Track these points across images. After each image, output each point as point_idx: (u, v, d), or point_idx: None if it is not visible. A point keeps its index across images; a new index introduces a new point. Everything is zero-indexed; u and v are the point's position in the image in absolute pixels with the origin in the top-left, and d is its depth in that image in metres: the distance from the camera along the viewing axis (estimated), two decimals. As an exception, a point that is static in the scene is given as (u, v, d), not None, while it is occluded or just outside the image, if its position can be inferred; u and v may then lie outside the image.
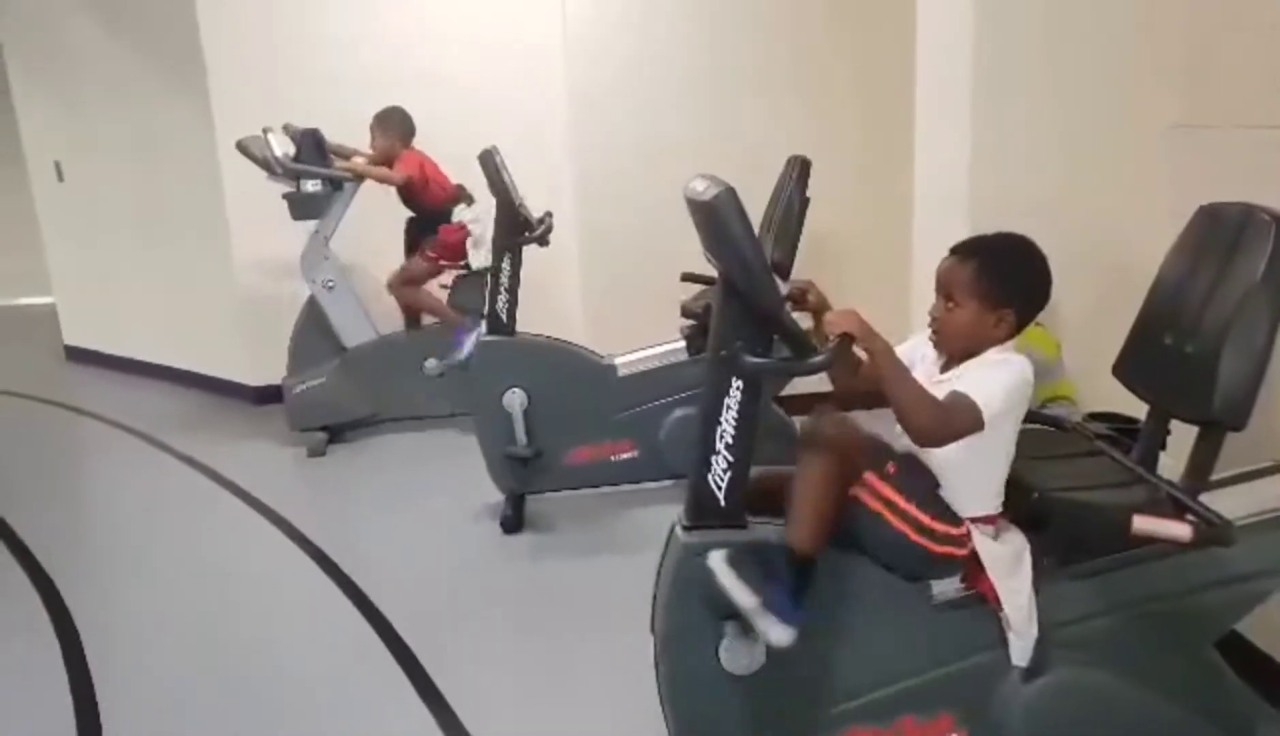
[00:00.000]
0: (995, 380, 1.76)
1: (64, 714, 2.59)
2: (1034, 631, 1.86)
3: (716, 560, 1.77)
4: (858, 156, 4.45)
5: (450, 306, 4.51)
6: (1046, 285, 1.87)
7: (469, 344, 4.02)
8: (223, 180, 4.87)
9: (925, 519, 1.81)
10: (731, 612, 1.78)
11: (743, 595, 1.73)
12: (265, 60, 4.77)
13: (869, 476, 1.80)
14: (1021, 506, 1.91)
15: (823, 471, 1.78)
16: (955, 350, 1.88)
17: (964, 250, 1.87)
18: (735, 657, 1.86)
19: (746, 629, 1.80)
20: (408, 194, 4.41)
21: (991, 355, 1.83)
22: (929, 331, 1.92)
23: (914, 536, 1.81)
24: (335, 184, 4.34)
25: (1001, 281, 1.82)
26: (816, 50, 4.48)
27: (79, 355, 6.30)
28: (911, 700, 1.93)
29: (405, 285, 4.52)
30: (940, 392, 1.77)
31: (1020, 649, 1.87)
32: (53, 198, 6.10)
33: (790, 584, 1.76)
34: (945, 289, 1.86)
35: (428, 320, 4.62)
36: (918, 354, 1.97)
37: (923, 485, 1.85)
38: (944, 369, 1.90)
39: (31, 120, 6.03)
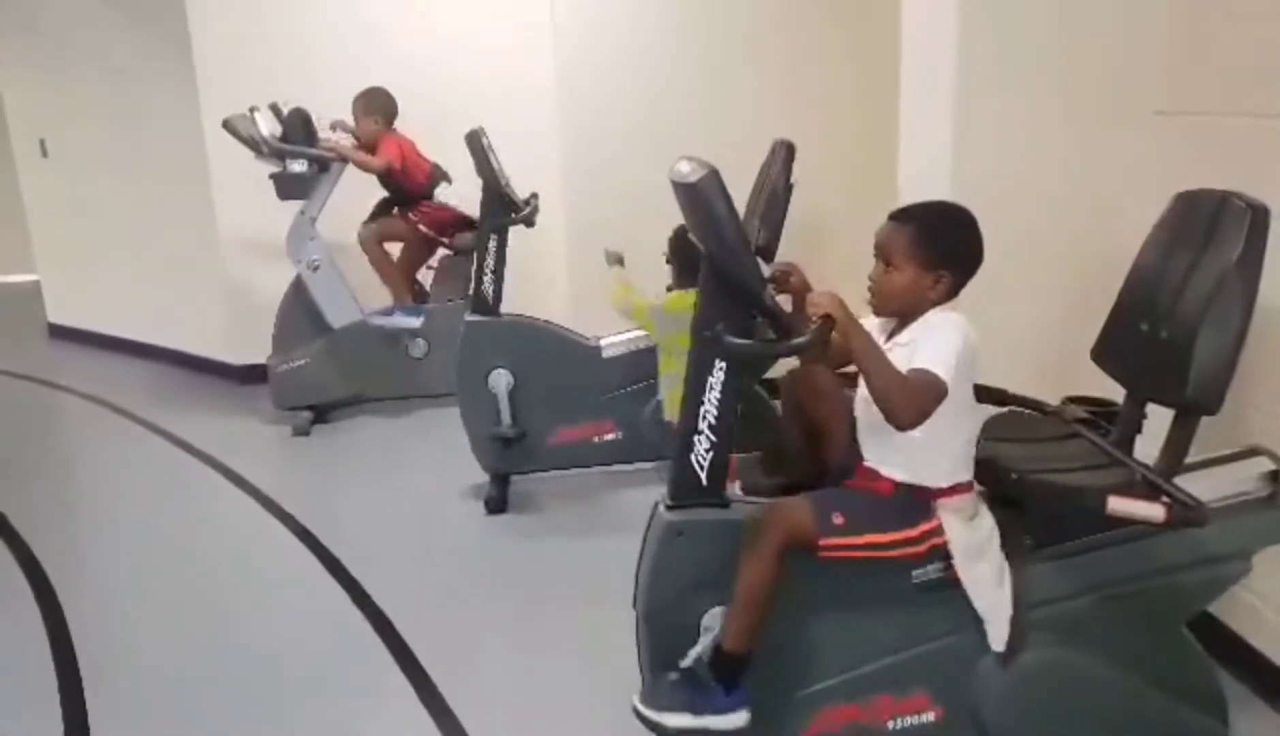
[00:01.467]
0: (945, 344, 1.79)
1: (48, 686, 2.61)
2: (1005, 614, 1.89)
3: (641, 708, 1.85)
4: (843, 141, 4.45)
5: (434, 288, 4.51)
6: (979, 249, 1.91)
7: (396, 321, 4.36)
8: (208, 159, 4.84)
9: (894, 536, 1.86)
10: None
11: (677, 721, 1.81)
12: (252, 38, 4.74)
13: (824, 542, 1.84)
14: (1000, 487, 1.94)
15: (762, 571, 1.81)
16: (892, 311, 1.92)
17: (902, 216, 1.91)
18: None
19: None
20: (385, 178, 4.40)
21: (933, 316, 1.87)
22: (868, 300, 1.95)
23: (895, 555, 1.87)
24: (322, 164, 4.33)
25: (938, 245, 1.86)
26: (805, 35, 4.48)
27: (63, 332, 6.27)
28: (888, 679, 1.96)
29: (376, 240, 4.48)
30: (892, 361, 1.80)
31: (996, 633, 1.90)
32: (37, 174, 6.06)
33: (725, 682, 1.83)
34: (884, 253, 1.90)
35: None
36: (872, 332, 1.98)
37: (869, 507, 1.88)
38: (889, 337, 1.92)
39: (16, 96, 5.99)
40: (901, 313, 1.91)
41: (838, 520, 1.84)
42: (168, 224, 5.35)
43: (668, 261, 3.16)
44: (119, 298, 5.87)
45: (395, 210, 4.49)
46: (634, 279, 3.17)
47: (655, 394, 3.44)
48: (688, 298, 2.76)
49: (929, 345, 1.80)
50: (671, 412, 3.03)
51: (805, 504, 1.88)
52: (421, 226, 4.44)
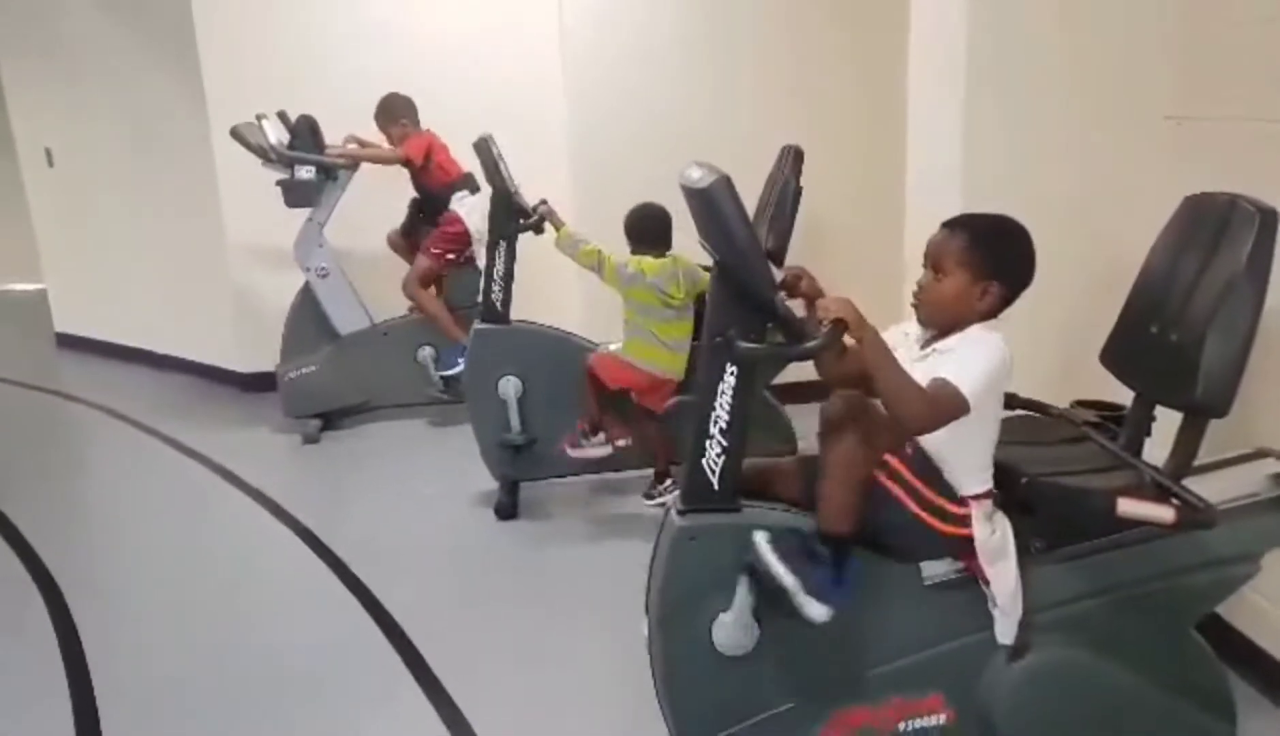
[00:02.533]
0: (975, 361, 1.79)
1: (59, 695, 2.62)
2: (1019, 611, 1.90)
3: (760, 540, 1.83)
4: (851, 144, 4.47)
5: (446, 302, 4.51)
6: (1031, 263, 1.92)
7: (461, 367, 4.13)
8: (216, 166, 4.86)
9: (939, 500, 1.88)
10: (763, 588, 1.84)
11: (785, 575, 1.80)
12: (259, 45, 4.76)
13: (890, 458, 1.86)
14: (1011, 491, 1.95)
15: (850, 452, 1.83)
16: (938, 321, 1.93)
17: (956, 224, 1.93)
18: (728, 637, 1.89)
19: (772, 605, 1.85)
20: (411, 173, 4.41)
21: (973, 332, 1.87)
22: (912, 307, 1.96)
23: (927, 518, 1.88)
24: (329, 172, 4.34)
25: (991, 254, 1.87)
26: (812, 38, 4.49)
27: (70, 341, 6.29)
28: (902, 680, 1.97)
29: (419, 287, 4.46)
30: (921, 370, 1.81)
31: (1006, 627, 1.92)
32: (43, 183, 6.08)
33: (830, 564, 1.83)
34: (935, 260, 1.91)
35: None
36: (899, 336, 2.00)
37: (932, 466, 1.90)
38: (924, 346, 1.93)
39: (22, 105, 6.01)
40: (947, 323, 1.91)
41: (909, 449, 1.88)
42: (175, 232, 5.37)
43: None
44: (126, 306, 5.89)
45: (416, 230, 4.50)
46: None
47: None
48: (646, 260, 3.27)
49: (961, 359, 1.81)
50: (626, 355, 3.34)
51: (882, 413, 1.87)
52: (448, 255, 4.43)
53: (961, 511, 1.88)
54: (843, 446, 1.83)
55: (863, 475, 1.84)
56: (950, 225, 1.93)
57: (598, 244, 3.38)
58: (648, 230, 3.32)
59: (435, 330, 4.46)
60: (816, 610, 1.80)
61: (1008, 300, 1.90)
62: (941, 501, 1.88)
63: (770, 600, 1.85)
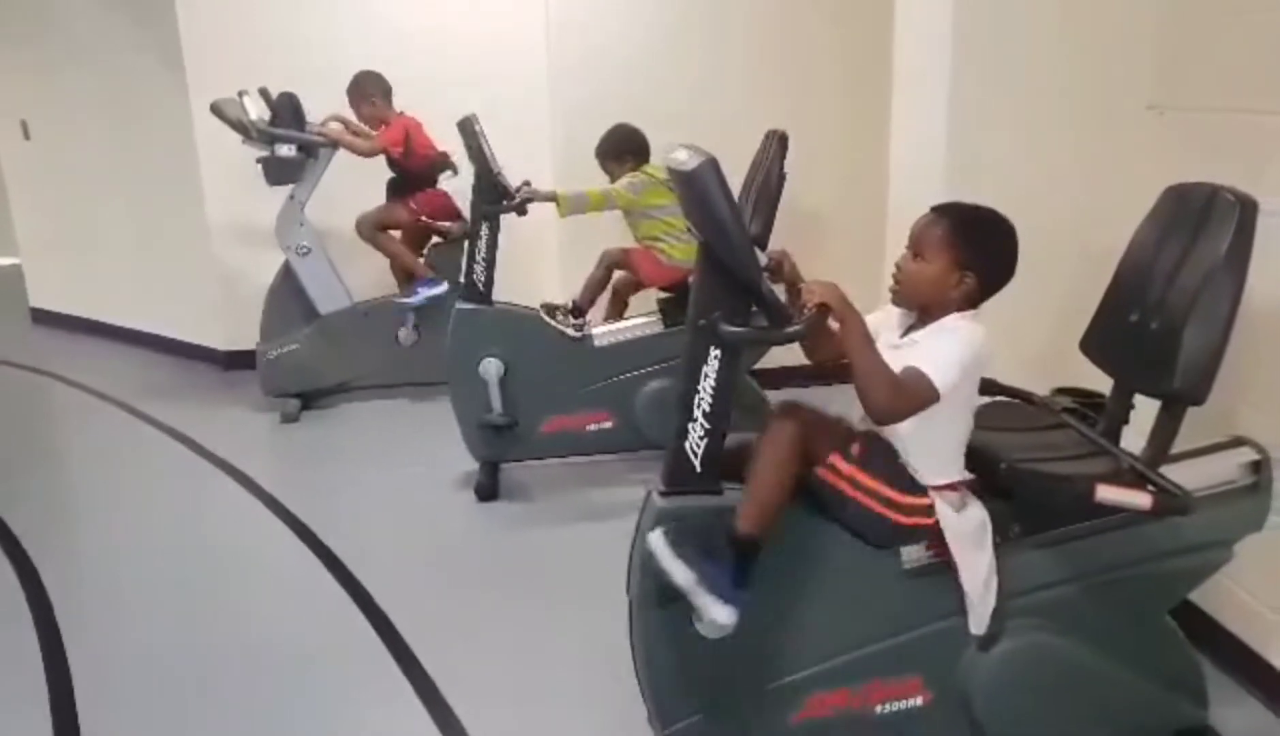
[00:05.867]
0: (948, 351, 1.80)
1: (35, 678, 2.59)
2: (991, 602, 1.92)
3: (656, 538, 1.80)
4: (835, 130, 4.48)
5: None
6: (1013, 261, 1.92)
7: (423, 295, 4.31)
8: (196, 141, 4.80)
9: (890, 493, 1.87)
10: (672, 593, 1.80)
11: (680, 573, 1.77)
12: (240, 20, 4.70)
13: (833, 457, 1.86)
14: (989, 476, 1.96)
15: (778, 454, 1.82)
16: (912, 302, 1.94)
17: (943, 210, 1.93)
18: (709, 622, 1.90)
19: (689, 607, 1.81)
20: (389, 160, 4.38)
21: (949, 321, 1.88)
22: (891, 289, 1.97)
23: (879, 509, 1.88)
24: (310, 150, 4.30)
25: (971, 244, 1.87)
26: (798, 22, 4.48)
27: (44, 317, 6.22)
28: (880, 663, 1.98)
29: (375, 227, 4.40)
30: (898, 357, 1.81)
31: (977, 618, 1.93)
32: (19, 156, 5.99)
33: (731, 565, 1.80)
34: (917, 243, 1.91)
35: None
36: (881, 320, 2.00)
37: (887, 460, 1.90)
38: (903, 334, 1.94)
39: (-4, 77, 5.92)
40: (922, 306, 1.92)
41: (855, 449, 1.87)
42: (154, 207, 5.31)
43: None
44: (104, 282, 5.82)
45: (398, 196, 4.45)
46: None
47: (647, 383, 3.46)
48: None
49: (934, 348, 1.81)
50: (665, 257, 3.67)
51: (839, 419, 1.89)
52: (423, 217, 4.39)
53: (921, 502, 1.89)
54: (776, 445, 1.82)
55: (789, 478, 1.82)
56: (938, 210, 1.93)
57: (590, 187, 3.57)
58: (629, 140, 3.72)
59: (400, 271, 4.48)
60: (719, 612, 1.76)
61: (985, 293, 1.90)
62: (895, 495, 1.87)
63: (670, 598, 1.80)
